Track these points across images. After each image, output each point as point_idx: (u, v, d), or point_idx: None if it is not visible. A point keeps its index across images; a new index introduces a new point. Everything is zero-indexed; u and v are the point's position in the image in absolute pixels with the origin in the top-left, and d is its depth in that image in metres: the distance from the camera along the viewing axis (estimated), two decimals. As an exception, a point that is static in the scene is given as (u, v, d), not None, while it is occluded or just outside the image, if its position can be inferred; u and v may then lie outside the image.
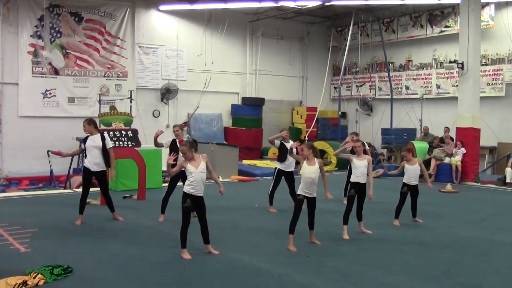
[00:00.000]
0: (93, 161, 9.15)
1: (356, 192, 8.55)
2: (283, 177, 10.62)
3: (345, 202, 9.31)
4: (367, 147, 11.79)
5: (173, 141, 9.93)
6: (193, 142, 7.16)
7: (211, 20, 21.05)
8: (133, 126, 15.64)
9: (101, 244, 7.73)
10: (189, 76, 20.86)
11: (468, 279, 6.39)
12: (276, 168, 10.78)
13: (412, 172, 9.51)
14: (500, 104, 18.34)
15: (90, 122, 9.38)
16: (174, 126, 10.45)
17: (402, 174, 9.83)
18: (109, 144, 9.41)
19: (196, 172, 6.96)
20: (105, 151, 9.25)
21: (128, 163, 12.33)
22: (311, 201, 7.61)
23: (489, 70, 18.56)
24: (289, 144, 10.64)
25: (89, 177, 9.27)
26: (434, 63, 20.72)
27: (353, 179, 8.60)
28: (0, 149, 17.07)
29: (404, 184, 9.58)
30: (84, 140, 9.28)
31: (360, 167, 8.56)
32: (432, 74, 20.70)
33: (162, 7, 19.96)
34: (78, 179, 13.94)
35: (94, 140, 9.23)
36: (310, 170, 7.52)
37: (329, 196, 7.76)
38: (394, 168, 17.37)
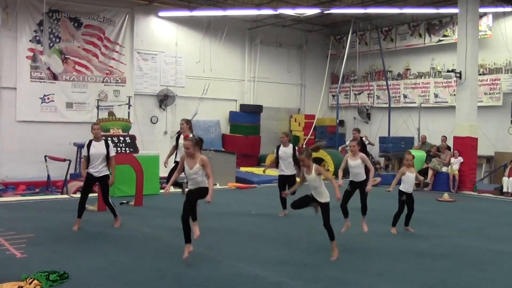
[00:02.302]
0: (98, 167, 9.10)
1: (353, 188, 8.66)
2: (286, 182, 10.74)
3: None
4: (364, 139, 12.10)
5: (178, 134, 10.33)
6: (199, 140, 7.17)
7: (210, 27, 21.10)
8: (131, 132, 15.65)
9: (97, 250, 7.71)
10: (188, 82, 20.89)
11: (465, 288, 6.39)
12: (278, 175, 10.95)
13: (412, 180, 9.47)
14: (498, 114, 18.40)
15: (101, 127, 9.49)
16: (182, 119, 10.56)
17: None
18: (113, 151, 9.39)
19: (189, 173, 7.03)
20: (107, 157, 9.26)
21: (126, 169, 12.31)
22: (322, 206, 7.39)
23: (487, 79, 18.63)
24: (287, 148, 10.67)
25: (91, 183, 9.23)
26: (432, 72, 20.80)
27: (350, 178, 8.68)
28: (-2, 154, 17.08)
29: (403, 193, 9.52)
30: (88, 147, 9.15)
31: (355, 167, 8.62)
32: (430, 83, 20.77)
33: (161, 14, 20.01)
34: (75, 184, 13.91)
35: (99, 147, 9.17)
36: (309, 178, 7.37)
37: (338, 195, 7.43)
38: (392, 177, 17.46)
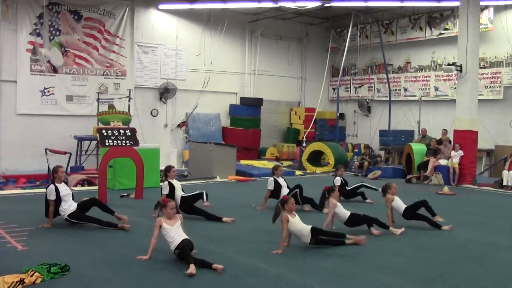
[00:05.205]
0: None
1: None
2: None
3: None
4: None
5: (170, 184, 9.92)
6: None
7: (210, 20, 21.06)
8: (131, 125, 15.64)
9: (98, 243, 7.74)
10: (188, 75, 20.87)
11: (464, 282, 6.40)
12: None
13: (400, 202, 9.41)
14: (498, 107, 18.39)
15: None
16: (172, 167, 10.24)
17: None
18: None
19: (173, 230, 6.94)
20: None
21: (126, 162, 12.33)
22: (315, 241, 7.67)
23: (487, 73, 18.61)
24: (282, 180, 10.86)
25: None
26: (432, 65, 20.77)
27: None
28: (-2, 147, 17.09)
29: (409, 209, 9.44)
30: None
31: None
32: (430, 76, 20.75)
33: (161, 6, 19.98)
34: (76, 177, 13.94)
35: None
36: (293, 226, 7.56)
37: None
38: (392, 170, 17.47)
